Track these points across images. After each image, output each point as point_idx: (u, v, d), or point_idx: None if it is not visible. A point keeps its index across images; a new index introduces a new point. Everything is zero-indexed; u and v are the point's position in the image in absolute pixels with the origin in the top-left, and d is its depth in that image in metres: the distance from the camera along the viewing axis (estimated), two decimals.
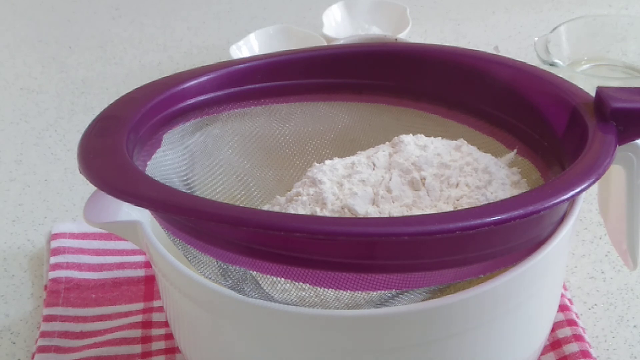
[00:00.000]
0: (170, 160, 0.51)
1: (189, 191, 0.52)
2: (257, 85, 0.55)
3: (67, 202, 0.70)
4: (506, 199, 0.42)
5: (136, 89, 0.52)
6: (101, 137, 0.46)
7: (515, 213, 0.40)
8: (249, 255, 0.41)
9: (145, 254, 0.50)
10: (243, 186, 0.56)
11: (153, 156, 0.50)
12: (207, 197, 0.53)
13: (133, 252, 0.63)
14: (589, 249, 0.63)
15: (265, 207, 0.53)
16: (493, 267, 0.43)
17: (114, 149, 0.45)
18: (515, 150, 0.53)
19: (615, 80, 0.76)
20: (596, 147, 0.44)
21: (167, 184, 0.49)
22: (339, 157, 0.53)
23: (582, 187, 0.42)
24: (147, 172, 0.48)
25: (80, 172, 0.43)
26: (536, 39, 0.80)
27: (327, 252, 0.40)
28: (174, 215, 0.43)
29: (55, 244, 0.63)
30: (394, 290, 0.41)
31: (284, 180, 0.57)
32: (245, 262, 0.41)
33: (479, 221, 0.39)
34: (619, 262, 0.62)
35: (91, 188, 0.45)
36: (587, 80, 0.70)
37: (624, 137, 0.46)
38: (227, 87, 0.54)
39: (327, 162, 0.52)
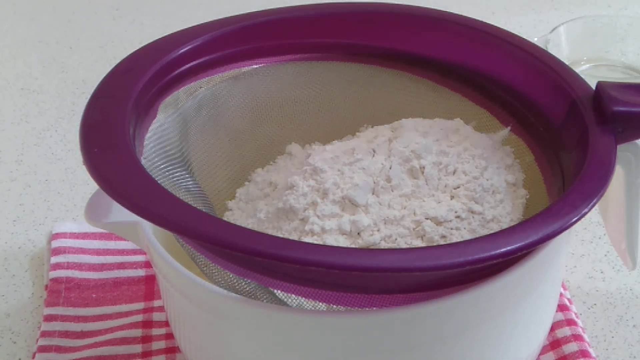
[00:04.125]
0: (168, 130, 0.51)
1: (182, 158, 0.51)
2: (249, 45, 0.55)
3: (68, 202, 0.70)
4: (489, 237, 0.41)
5: (129, 58, 0.50)
6: (103, 126, 0.45)
7: (494, 253, 0.40)
8: (260, 273, 0.41)
9: (145, 253, 0.50)
10: (236, 148, 0.56)
11: (150, 127, 0.49)
12: (202, 160, 0.53)
13: (134, 252, 0.63)
14: (588, 248, 0.64)
15: (260, 174, 0.52)
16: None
17: (119, 142, 0.44)
18: (509, 128, 0.53)
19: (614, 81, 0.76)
20: (591, 175, 0.44)
21: (163, 154, 0.48)
22: (330, 120, 0.52)
23: (574, 220, 0.42)
24: (145, 147, 0.47)
25: (86, 169, 0.43)
26: (536, 39, 0.79)
27: (335, 277, 0.40)
28: (184, 238, 0.43)
29: (55, 243, 0.63)
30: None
31: (276, 140, 0.57)
32: (257, 278, 0.41)
33: (469, 258, 0.39)
34: (618, 262, 0.62)
35: (92, 188, 0.45)
36: (586, 81, 0.70)
37: (623, 138, 0.46)
38: (221, 50, 0.54)
39: (328, 147, 0.52)
